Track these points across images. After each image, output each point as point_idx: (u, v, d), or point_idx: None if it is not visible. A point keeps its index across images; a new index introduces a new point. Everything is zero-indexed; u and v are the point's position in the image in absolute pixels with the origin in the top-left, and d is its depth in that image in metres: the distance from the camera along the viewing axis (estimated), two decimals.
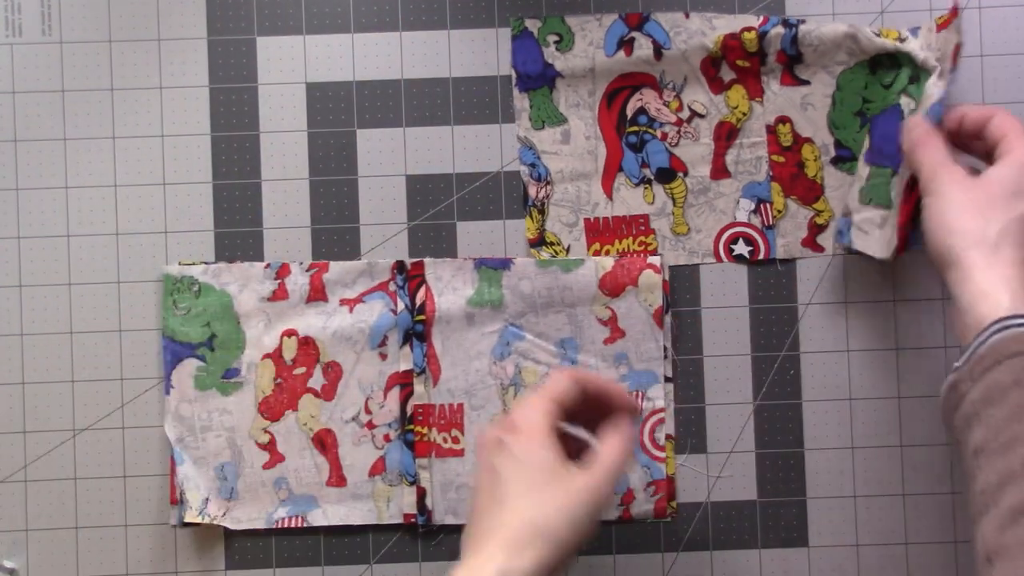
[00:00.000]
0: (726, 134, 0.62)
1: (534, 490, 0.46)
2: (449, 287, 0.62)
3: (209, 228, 0.63)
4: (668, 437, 0.62)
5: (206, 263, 0.62)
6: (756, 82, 0.61)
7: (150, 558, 0.62)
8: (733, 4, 0.62)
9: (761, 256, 0.62)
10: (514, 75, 0.62)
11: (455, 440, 0.61)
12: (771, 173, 0.62)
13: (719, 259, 0.62)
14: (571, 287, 0.61)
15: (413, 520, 0.61)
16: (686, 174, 0.62)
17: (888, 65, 0.60)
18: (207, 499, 0.61)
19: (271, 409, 0.62)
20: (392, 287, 0.62)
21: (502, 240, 0.62)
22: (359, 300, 0.62)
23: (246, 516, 0.61)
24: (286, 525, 0.61)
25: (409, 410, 0.62)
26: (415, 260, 0.62)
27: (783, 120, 0.62)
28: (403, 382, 0.62)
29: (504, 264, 0.62)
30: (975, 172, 0.53)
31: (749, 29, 0.60)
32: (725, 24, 0.61)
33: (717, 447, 0.62)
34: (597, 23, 0.62)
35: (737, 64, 0.61)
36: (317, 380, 0.62)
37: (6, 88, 0.62)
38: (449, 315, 0.61)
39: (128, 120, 0.63)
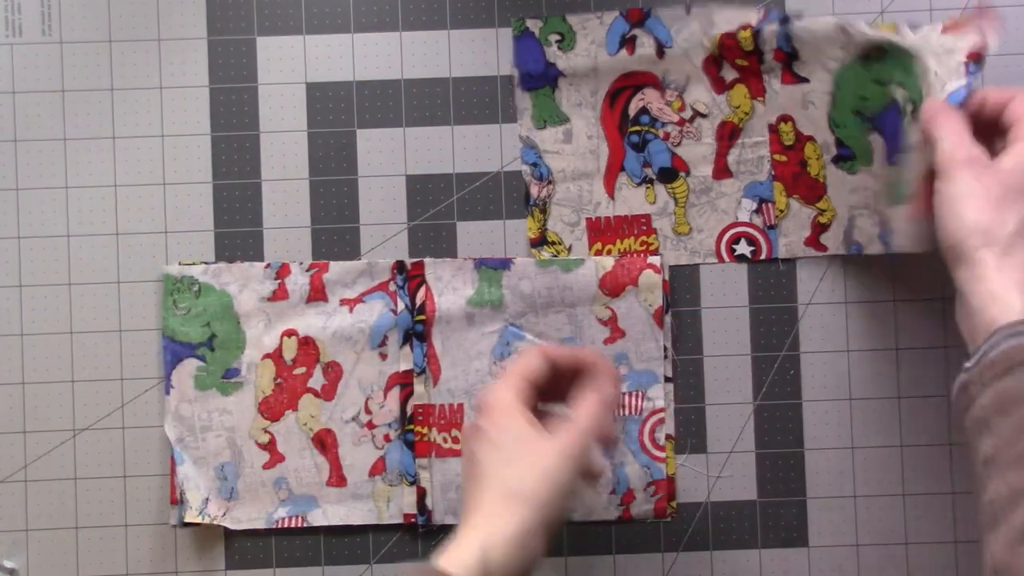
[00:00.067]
0: (728, 134, 0.62)
1: (508, 461, 0.48)
2: (449, 287, 0.62)
3: (209, 228, 0.63)
4: (668, 437, 0.62)
5: (206, 263, 0.62)
6: (758, 81, 0.61)
7: (150, 558, 0.62)
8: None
9: (763, 256, 0.62)
10: (516, 74, 0.62)
11: (455, 440, 0.61)
12: (773, 172, 0.62)
13: (721, 259, 0.62)
14: (571, 287, 0.61)
15: (413, 520, 0.61)
16: (688, 174, 0.62)
17: (879, 59, 0.58)
18: (207, 499, 0.61)
19: (271, 409, 0.62)
20: (392, 287, 0.62)
21: (502, 240, 0.62)
22: (359, 300, 0.62)
23: (246, 516, 0.61)
24: (286, 525, 0.61)
25: (409, 410, 0.62)
26: (415, 260, 0.62)
27: (785, 119, 0.61)
28: (403, 382, 0.62)
29: (504, 264, 0.62)
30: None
31: (745, 27, 0.60)
32: (725, 20, 0.61)
33: (717, 447, 0.62)
34: (598, 21, 0.62)
35: (737, 63, 0.61)
36: (317, 380, 0.62)
37: (6, 88, 0.62)
38: (449, 315, 0.61)
39: (128, 120, 0.63)
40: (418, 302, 0.62)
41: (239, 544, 0.62)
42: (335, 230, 0.63)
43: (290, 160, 0.63)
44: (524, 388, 0.50)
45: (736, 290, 0.62)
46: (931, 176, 0.52)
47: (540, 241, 0.62)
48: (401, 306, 0.62)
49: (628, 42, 0.62)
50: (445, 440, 0.62)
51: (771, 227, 0.62)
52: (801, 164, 0.62)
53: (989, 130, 0.52)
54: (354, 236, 0.62)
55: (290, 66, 0.63)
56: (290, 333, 0.62)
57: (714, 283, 0.62)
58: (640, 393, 0.61)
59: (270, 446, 0.62)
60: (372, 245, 0.62)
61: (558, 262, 0.61)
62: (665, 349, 0.62)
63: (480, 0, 0.63)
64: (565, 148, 0.62)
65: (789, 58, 0.61)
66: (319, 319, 0.62)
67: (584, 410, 0.50)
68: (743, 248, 0.62)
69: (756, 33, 0.60)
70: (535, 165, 0.62)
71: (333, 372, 0.62)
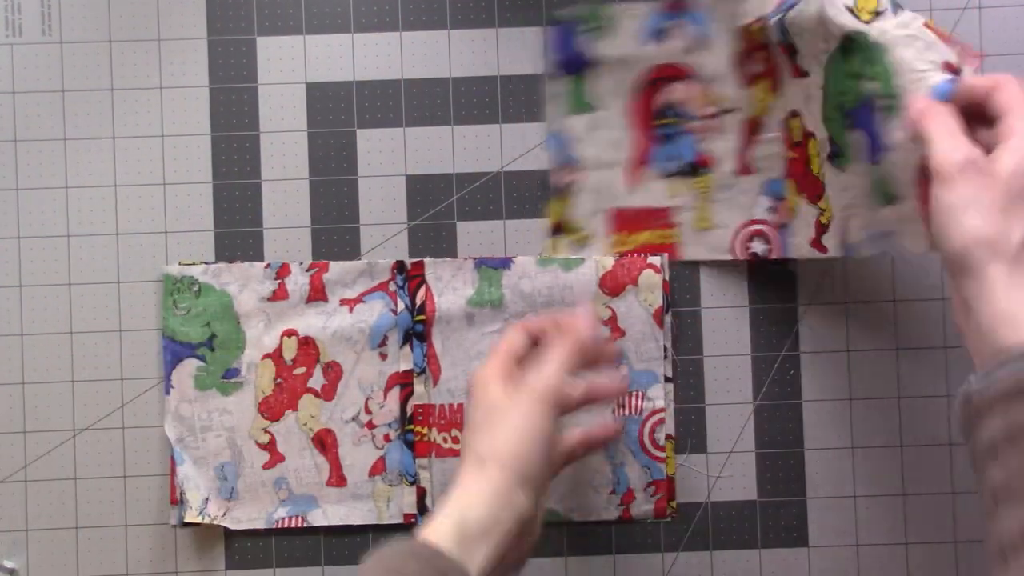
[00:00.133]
0: (752, 129, 0.61)
1: (478, 430, 0.49)
2: (449, 287, 0.62)
3: (209, 228, 0.63)
4: (668, 437, 0.62)
5: (206, 263, 0.62)
6: (778, 75, 0.60)
7: (150, 558, 0.62)
8: None
9: (776, 255, 0.61)
10: (549, 61, 0.62)
11: (455, 440, 0.61)
12: (786, 169, 0.61)
13: (736, 256, 0.62)
14: (571, 286, 0.61)
15: (413, 520, 0.61)
16: (713, 169, 0.62)
17: (852, 51, 0.54)
18: (207, 499, 0.61)
19: (271, 409, 0.62)
20: (392, 287, 0.62)
21: (502, 240, 0.62)
22: (359, 300, 0.62)
23: (246, 516, 0.61)
24: (286, 525, 0.61)
25: (409, 410, 0.62)
26: (415, 260, 0.62)
27: (794, 114, 0.60)
28: (403, 382, 0.62)
29: (504, 263, 0.62)
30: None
31: (759, 20, 0.59)
32: (748, 11, 0.59)
33: (717, 447, 0.62)
34: (634, 11, 0.61)
35: (759, 57, 0.60)
36: (317, 380, 0.62)
37: (6, 88, 0.62)
38: (449, 315, 0.61)
39: (128, 120, 0.63)
40: (418, 302, 0.62)
41: (239, 544, 0.62)
42: (335, 230, 0.63)
43: (290, 160, 0.63)
44: (505, 363, 0.51)
45: (736, 290, 0.62)
46: (923, 175, 0.49)
47: (560, 229, 0.62)
48: (401, 306, 0.62)
49: (663, 33, 0.61)
50: (445, 440, 0.62)
51: (783, 226, 0.61)
52: (806, 162, 0.61)
53: (974, 118, 0.49)
54: (354, 236, 0.62)
55: (290, 66, 0.63)
56: (290, 333, 0.62)
57: (714, 283, 0.62)
58: (640, 393, 0.61)
59: (270, 446, 0.62)
60: (372, 245, 0.62)
61: (558, 261, 0.61)
62: (665, 349, 0.62)
63: (480, 0, 0.63)
64: (592, 136, 0.62)
65: (791, 51, 0.59)
66: (319, 319, 0.62)
67: (547, 357, 0.51)
68: (758, 246, 0.61)
69: (767, 25, 0.58)
70: (561, 151, 0.62)
71: (333, 372, 0.62)
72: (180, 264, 0.62)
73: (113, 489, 0.62)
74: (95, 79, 0.63)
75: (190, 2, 0.63)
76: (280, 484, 0.62)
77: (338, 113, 0.63)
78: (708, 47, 0.61)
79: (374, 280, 0.62)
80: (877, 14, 0.53)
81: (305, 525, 0.61)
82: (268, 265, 0.62)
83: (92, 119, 0.62)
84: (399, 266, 0.62)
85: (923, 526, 0.62)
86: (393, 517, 0.61)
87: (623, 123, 0.62)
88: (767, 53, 0.60)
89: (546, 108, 0.62)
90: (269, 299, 0.62)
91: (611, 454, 0.61)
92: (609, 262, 0.61)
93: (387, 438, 0.62)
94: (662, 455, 0.61)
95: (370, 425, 0.62)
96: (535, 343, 0.53)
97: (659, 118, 0.62)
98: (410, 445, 0.61)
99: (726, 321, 0.62)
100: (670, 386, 0.62)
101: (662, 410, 0.61)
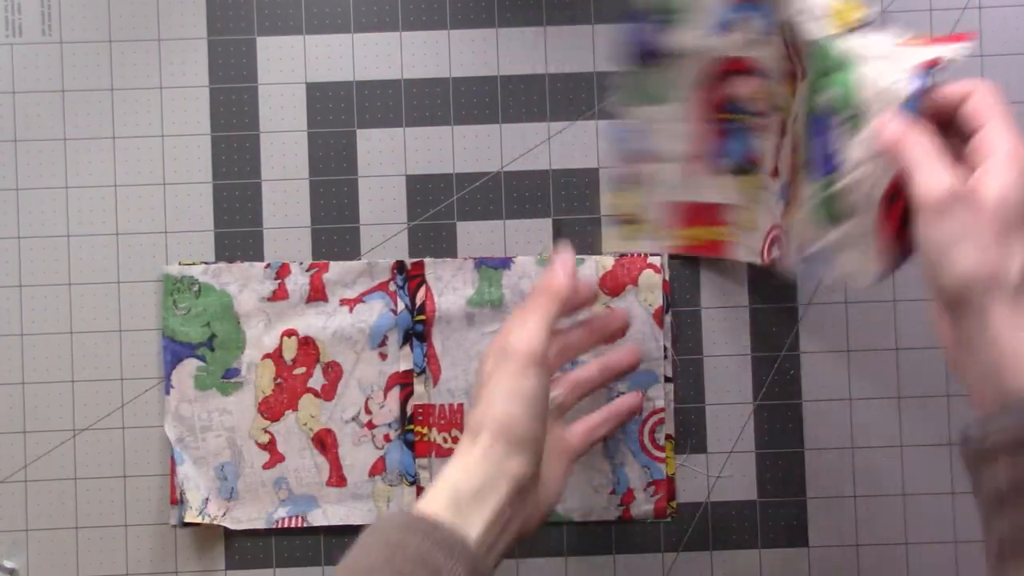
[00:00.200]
0: (783, 130, 0.58)
1: (475, 402, 0.49)
2: (449, 287, 0.62)
3: (209, 228, 0.63)
4: (668, 437, 0.62)
5: (206, 263, 0.62)
6: (796, 75, 0.57)
7: (150, 558, 0.62)
8: None
9: (785, 264, 0.59)
10: (624, 51, 0.60)
11: (455, 440, 0.61)
12: (790, 174, 0.60)
13: (764, 261, 0.60)
14: None
15: None
16: (760, 169, 0.60)
17: (817, 56, 0.51)
18: (207, 499, 0.61)
19: (271, 409, 0.62)
20: (392, 287, 0.62)
21: (502, 240, 0.62)
22: (359, 300, 0.62)
23: (246, 516, 0.61)
24: (286, 525, 0.61)
25: (409, 410, 0.62)
26: (415, 260, 0.62)
27: (796, 117, 0.58)
28: (403, 382, 0.62)
29: (504, 263, 0.62)
30: None
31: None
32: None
33: (717, 447, 0.62)
34: (706, 2, 0.58)
35: (789, 55, 0.57)
36: (317, 380, 0.62)
37: (6, 88, 0.62)
38: (449, 315, 0.61)
39: (128, 120, 0.63)
40: (418, 302, 0.62)
41: (239, 544, 0.62)
42: (335, 230, 0.63)
43: (290, 160, 0.63)
44: (501, 339, 0.51)
45: (736, 290, 0.62)
46: (891, 198, 0.47)
47: (620, 218, 0.61)
48: (401, 306, 0.62)
49: (730, 25, 0.58)
50: (445, 440, 0.62)
51: (787, 233, 0.60)
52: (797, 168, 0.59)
53: (944, 127, 0.45)
54: (354, 236, 0.63)
55: (290, 66, 0.63)
56: (290, 333, 0.62)
57: (714, 283, 0.62)
58: (640, 393, 0.61)
59: (270, 446, 0.62)
60: (372, 245, 0.62)
61: None
62: (665, 349, 0.62)
63: (480, 0, 0.63)
64: (656, 128, 0.60)
65: (799, 51, 0.56)
66: (319, 319, 0.62)
67: (525, 317, 0.50)
68: (776, 252, 0.59)
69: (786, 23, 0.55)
70: (626, 142, 0.61)
71: (333, 372, 0.62)
72: (180, 264, 0.62)
73: (113, 489, 0.62)
74: (95, 79, 0.63)
75: (190, 2, 0.63)
76: (280, 484, 0.62)
77: (338, 113, 0.63)
78: (769, 42, 0.57)
79: (374, 280, 0.62)
80: (856, 28, 0.51)
81: (305, 525, 0.61)
82: (268, 265, 0.62)
83: (92, 119, 0.62)
84: (399, 266, 0.62)
85: (923, 526, 0.62)
86: None
87: (687, 116, 0.60)
88: (791, 52, 0.58)
89: (614, 98, 0.62)
90: (269, 299, 0.62)
91: (611, 454, 0.61)
92: (609, 262, 0.61)
93: (387, 438, 0.62)
94: (662, 455, 0.61)
95: (370, 425, 0.62)
96: None
97: (722, 112, 0.60)
98: (410, 445, 0.61)
99: (726, 321, 0.62)
100: (670, 386, 0.62)
101: (662, 410, 0.61)
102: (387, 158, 0.63)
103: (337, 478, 0.62)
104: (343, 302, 0.62)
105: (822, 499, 0.62)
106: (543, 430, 0.49)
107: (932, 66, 0.46)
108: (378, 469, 0.62)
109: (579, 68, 0.63)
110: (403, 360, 0.62)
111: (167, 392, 0.61)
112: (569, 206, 0.62)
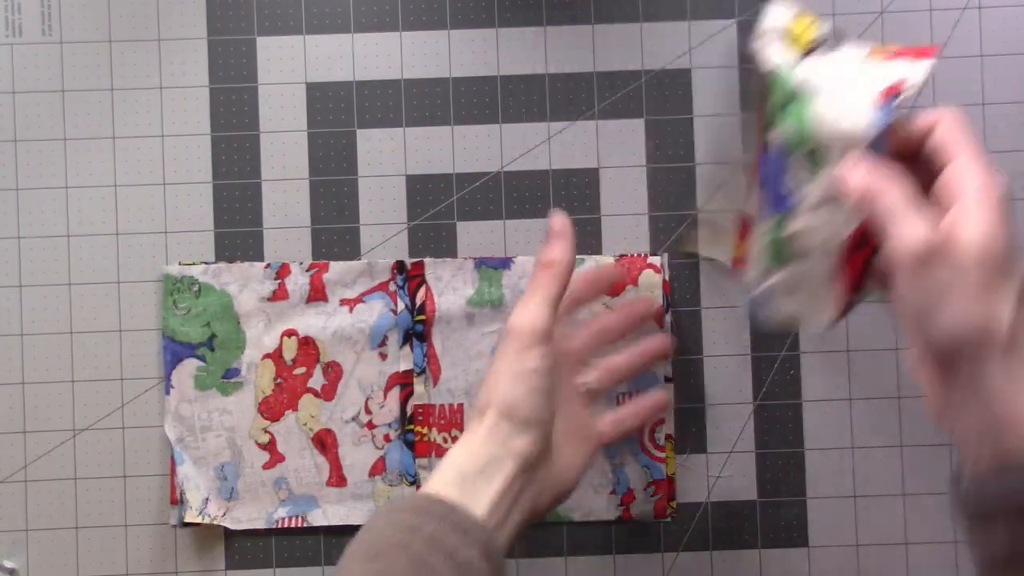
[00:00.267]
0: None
1: (482, 385, 0.50)
2: (449, 287, 0.62)
3: (209, 228, 0.63)
4: (668, 437, 0.62)
5: (206, 263, 0.62)
6: None
7: (150, 558, 0.62)
8: (733, 6, 0.62)
9: None
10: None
11: (455, 440, 0.61)
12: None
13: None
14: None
15: None
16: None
17: (774, 85, 0.48)
18: (207, 499, 0.61)
19: (271, 409, 0.62)
20: (392, 287, 0.62)
21: (502, 240, 0.62)
22: (359, 300, 0.62)
23: (246, 516, 0.61)
24: (286, 525, 0.61)
25: (409, 410, 0.62)
26: (415, 260, 0.62)
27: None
28: (403, 382, 0.62)
29: (504, 263, 0.62)
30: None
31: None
32: None
33: (717, 447, 0.62)
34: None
35: None
36: (317, 380, 0.62)
37: (6, 88, 0.62)
38: (449, 315, 0.61)
39: (128, 120, 0.63)
40: (418, 302, 0.62)
41: (239, 544, 0.62)
42: (335, 230, 0.63)
43: (290, 160, 0.63)
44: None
45: (736, 290, 0.62)
46: (854, 246, 0.45)
47: (705, 224, 0.61)
48: (401, 306, 0.62)
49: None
50: (445, 440, 0.62)
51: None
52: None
53: (910, 160, 0.43)
54: (354, 236, 0.63)
55: (290, 66, 0.63)
56: (290, 333, 0.62)
57: (714, 283, 0.62)
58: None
59: (270, 446, 0.62)
60: (372, 245, 0.62)
61: None
62: None
63: (480, 0, 0.63)
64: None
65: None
66: (319, 319, 0.62)
67: (526, 295, 0.51)
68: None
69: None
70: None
71: (333, 372, 0.62)
72: (180, 264, 0.62)
73: (113, 489, 0.62)
74: (95, 79, 0.63)
75: (190, 2, 0.63)
76: (280, 484, 0.62)
77: (338, 113, 0.63)
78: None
79: (374, 280, 0.62)
80: (812, 49, 0.49)
81: (305, 525, 0.61)
82: (268, 265, 0.62)
83: (92, 119, 0.62)
84: (399, 266, 0.62)
85: (923, 526, 0.62)
86: None
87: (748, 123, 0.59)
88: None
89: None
90: (269, 299, 0.62)
91: (611, 454, 0.61)
92: (609, 262, 0.61)
93: (387, 438, 0.62)
94: (662, 455, 0.61)
95: (370, 425, 0.62)
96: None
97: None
98: (410, 445, 0.61)
99: (726, 321, 0.62)
100: (670, 386, 0.62)
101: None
102: (387, 158, 0.63)
103: (337, 478, 0.62)
104: (343, 302, 0.62)
105: (822, 499, 0.62)
106: (549, 407, 0.49)
107: (894, 94, 0.44)
108: (378, 469, 0.62)
109: (579, 68, 0.63)
110: (403, 360, 0.62)
111: (167, 392, 0.61)
112: (569, 206, 0.62)
